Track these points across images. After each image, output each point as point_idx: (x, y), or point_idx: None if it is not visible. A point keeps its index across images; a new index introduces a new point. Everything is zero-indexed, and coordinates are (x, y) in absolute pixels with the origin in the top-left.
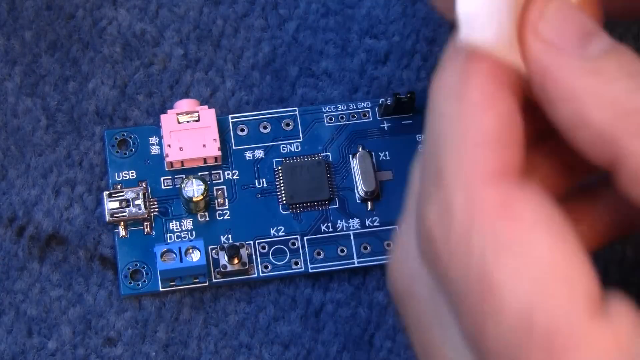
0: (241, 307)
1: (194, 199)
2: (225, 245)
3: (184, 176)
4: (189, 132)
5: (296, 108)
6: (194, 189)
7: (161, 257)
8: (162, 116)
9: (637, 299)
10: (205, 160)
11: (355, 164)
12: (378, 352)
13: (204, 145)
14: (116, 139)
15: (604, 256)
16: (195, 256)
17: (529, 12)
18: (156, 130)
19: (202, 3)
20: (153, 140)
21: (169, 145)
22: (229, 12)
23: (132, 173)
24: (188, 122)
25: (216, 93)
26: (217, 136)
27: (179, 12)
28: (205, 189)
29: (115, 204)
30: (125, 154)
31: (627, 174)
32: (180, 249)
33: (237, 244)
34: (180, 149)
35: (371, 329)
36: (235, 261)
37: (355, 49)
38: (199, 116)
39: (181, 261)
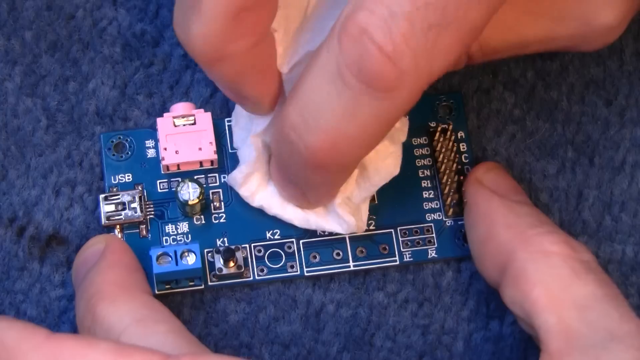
0: (241, 307)
1: (190, 202)
2: (221, 248)
3: (180, 179)
4: (185, 136)
5: None
6: (189, 192)
7: (157, 260)
8: (159, 119)
9: (638, 298)
10: (201, 163)
11: None
12: (378, 352)
13: (200, 149)
14: (112, 142)
15: (604, 256)
16: (191, 259)
17: (476, 168)
18: (152, 133)
19: None
20: (149, 143)
21: (165, 149)
22: None
23: (128, 176)
24: (184, 125)
25: (216, 93)
26: (213, 139)
27: None
28: (201, 192)
29: (111, 207)
30: (122, 157)
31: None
32: (175, 252)
33: (233, 247)
34: (177, 152)
35: (371, 329)
36: (231, 264)
37: None
38: (195, 119)
39: (177, 264)
